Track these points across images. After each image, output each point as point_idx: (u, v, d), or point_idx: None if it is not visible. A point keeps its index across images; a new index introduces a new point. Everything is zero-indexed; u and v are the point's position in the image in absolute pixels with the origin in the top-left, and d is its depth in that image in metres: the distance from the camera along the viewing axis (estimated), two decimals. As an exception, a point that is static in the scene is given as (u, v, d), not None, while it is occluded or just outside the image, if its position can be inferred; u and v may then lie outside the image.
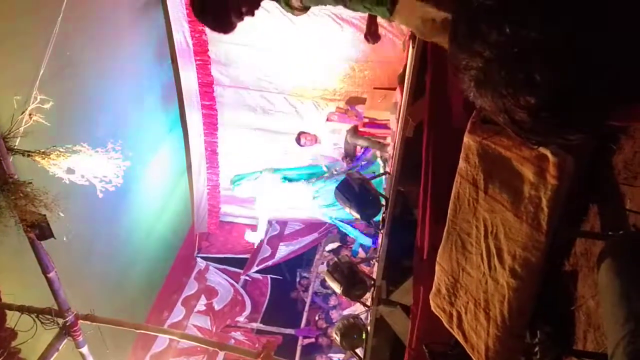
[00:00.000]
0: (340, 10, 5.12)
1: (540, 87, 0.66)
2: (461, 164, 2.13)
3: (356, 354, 4.31)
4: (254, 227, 7.31)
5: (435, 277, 2.43)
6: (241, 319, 7.91)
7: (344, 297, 4.66)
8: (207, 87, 5.99)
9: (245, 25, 5.13)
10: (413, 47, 3.18)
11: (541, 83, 0.65)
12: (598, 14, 0.64)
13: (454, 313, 2.28)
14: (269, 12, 5.15)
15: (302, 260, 8.74)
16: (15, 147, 3.21)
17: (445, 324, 2.37)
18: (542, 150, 1.69)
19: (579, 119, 0.70)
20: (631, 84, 0.66)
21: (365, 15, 3.52)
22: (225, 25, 2.01)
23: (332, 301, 7.79)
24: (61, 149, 3.24)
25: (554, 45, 0.65)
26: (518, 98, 0.68)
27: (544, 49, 0.65)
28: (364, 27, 3.78)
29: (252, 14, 2.06)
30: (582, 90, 0.66)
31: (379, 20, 3.75)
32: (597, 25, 0.64)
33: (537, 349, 2.35)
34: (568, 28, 0.64)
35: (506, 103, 0.70)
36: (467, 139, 2.05)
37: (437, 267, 2.40)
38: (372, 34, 3.64)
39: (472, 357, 2.16)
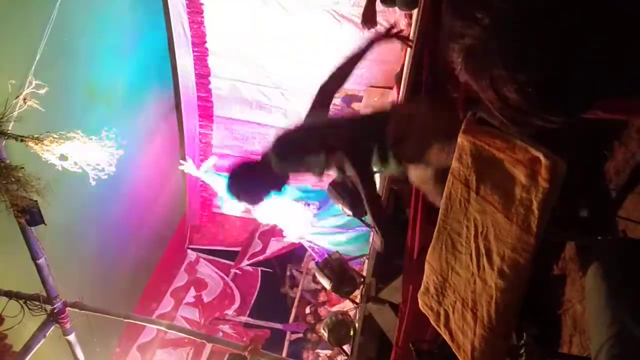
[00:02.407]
0: (339, 6, 5.12)
1: (533, 63, 0.64)
2: (454, 164, 2.13)
3: (343, 350, 4.32)
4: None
5: (424, 276, 2.43)
6: (230, 312, 7.91)
7: (333, 293, 4.66)
8: (203, 78, 5.97)
9: (245, 19, 5.13)
10: (410, 47, 3.18)
11: (535, 59, 0.64)
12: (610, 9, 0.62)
13: (442, 312, 2.29)
14: (267, 5, 5.15)
15: (293, 255, 8.74)
16: (9, 132, 3.20)
17: (432, 323, 2.38)
18: (535, 152, 1.70)
19: (562, 101, 0.69)
20: (618, 78, 0.66)
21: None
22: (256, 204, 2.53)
23: (322, 297, 7.81)
24: (55, 135, 3.22)
25: (559, 25, 0.63)
26: (509, 71, 0.67)
27: (547, 26, 0.63)
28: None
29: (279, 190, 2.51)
30: (572, 74, 0.64)
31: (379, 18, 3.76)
32: (606, 20, 0.62)
33: (522, 350, 2.37)
34: (583, 15, 0.62)
35: (495, 75, 0.68)
36: (460, 139, 2.05)
37: (426, 266, 2.41)
38: (368, 20, 3.65)
39: (458, 357, 2.17)
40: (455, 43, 0.74)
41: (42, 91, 3.18)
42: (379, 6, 3.60)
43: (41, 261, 3.84)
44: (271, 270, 8.60)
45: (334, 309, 6.40)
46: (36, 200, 3.27)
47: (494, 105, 0.74)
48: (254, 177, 2.47)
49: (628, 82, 0.68)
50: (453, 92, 2.83)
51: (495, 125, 1.91)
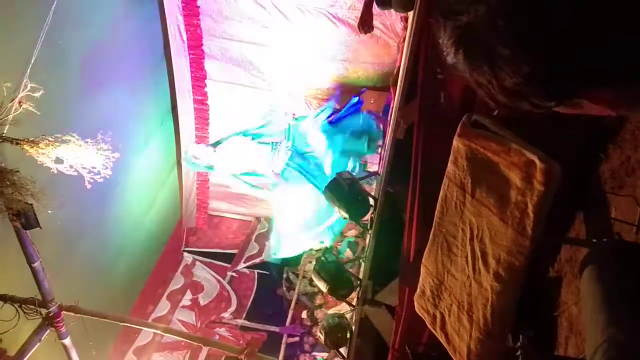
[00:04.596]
0: (335, 9, 5.13)
1: (545, 45, 0.62)
2: (450, 167, 2.14)
3: (340, 353, 4.31)
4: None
5: (420, 279, 2.44)
6: (226, 315, 7.88)
7: (329, 296, 4.66)
8: (199, 81, 5.97)
9: (241, 22, 5.19)
10: (406, 50, 3.19)
11: (548, 41, 0.61)
12: None
13: (438, 315, 2.29)
14: (264, 8, 5.16)
15: (290, 258, 8.72)
16: (3, 135, 3.18)
17: (428, 326, 2.38)
18: (530, 156, 1.71)
19: (557, 84, 0.66)
20: (615, 68, 0.63)
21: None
22: None
23: (318, 300, 7.79)
24: (50, 138, 3.20)
25: (578, 10, 0.60)
26: (517, 52, 0.63)
27: (564, 8, 0.60)
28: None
29: None
30: (576, 58, 0.62)
31: (375, 21, 3.76)
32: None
33: (518, 352, 2.38)
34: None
35: (496, 55, 0.64)
36: (456, 142, 2.06)
37: (422, 269, 2.41)
38: (365, 24, 3.66)
39: (454, 359, 2.17)
40: (449, 21, 0.69)
41: (37, 94, 3.17)
42: (374, 9, 3.62)
43: (36, 265, 3.82)
44: (268, 273, 8.59)
45: (331, 311, 6.40)
46: (31, 204, 3.26)
47: (482, 88, 0.71)
48: None
49: (625, 72, 0.65)
50: (448, 95, 2.84)
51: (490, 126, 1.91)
